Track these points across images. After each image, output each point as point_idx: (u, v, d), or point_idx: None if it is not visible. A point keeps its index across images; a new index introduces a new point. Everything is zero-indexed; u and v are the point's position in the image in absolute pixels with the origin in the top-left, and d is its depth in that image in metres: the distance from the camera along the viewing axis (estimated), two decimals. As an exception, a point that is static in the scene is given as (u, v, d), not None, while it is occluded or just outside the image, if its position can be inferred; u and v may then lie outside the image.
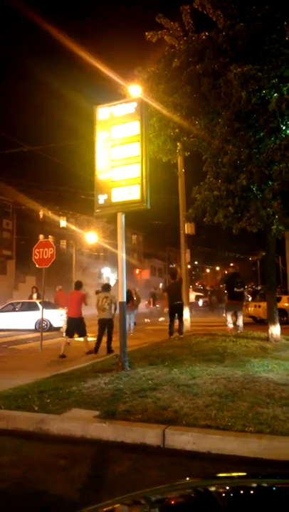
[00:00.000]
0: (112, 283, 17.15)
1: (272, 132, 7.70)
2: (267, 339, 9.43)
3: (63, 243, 39.71)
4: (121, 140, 7.19)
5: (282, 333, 9.60)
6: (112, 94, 10.32)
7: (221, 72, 8.06)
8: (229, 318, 12.09)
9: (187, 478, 1.77)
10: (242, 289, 12.20)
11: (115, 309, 9.17)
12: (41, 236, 30.22)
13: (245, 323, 12.18)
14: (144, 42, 9.64)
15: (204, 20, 8.97)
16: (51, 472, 3.47)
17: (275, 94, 7.57)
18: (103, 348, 9.33)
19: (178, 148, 10.25)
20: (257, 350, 8.30)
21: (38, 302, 15.93)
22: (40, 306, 13.70)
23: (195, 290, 40.42)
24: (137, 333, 13.68)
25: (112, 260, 39.33)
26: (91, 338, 9.71)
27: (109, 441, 4.09)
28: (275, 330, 9.42)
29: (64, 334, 11.27)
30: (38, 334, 12.09)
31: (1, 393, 5.46)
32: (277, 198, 7.62)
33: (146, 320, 20.57)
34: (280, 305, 12.15)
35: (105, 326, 9.42)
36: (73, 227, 34.85)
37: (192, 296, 27.62)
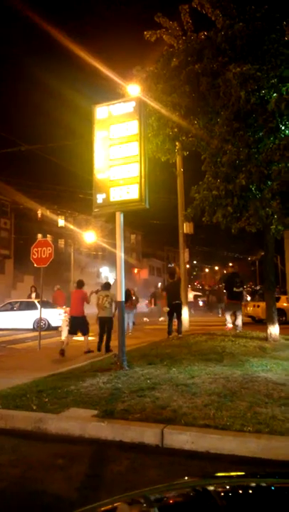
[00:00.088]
0: (111, 282, 17.13)
1: (271, 132, 7.70)
2: (266, 339, 9.44)
3: (61, 242, 39.64)
4: (119, 139, 7.18)
5: (281, 332, 9.61)
6: (111, 93, 10.32)
7: (220, 72, 8.06)
8: (228, 318, 12.10)
9: (186, 478, 1.76)
10: (241, 289, 12.22)
11: (116, 308, 9.18)
12: (39, 235, 30.11)
13: (244, 323, 12.19)
14: (142, 41, 9.66)
15: (203, 19, 8.97)
16: (49, 471, 3.46)
17: (275, 94, 7.57)
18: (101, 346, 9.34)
19: (177, 147, 10.25)
20: (256, 349, 8.31)
21: (36, 301, 15.92)
22: (38, 306, 13.69)
23: (194, 290, 40.46)
24: (136, 332, 13.68)
25: (110, 260, 39.29)
26: (91, 338, 9.72)
27: (107, 440, 4.08)
28: (274, 330, 9.43)
29: (62, 334, 11.28)
30: (36, 333, 12.07)
31: (0, 392, 5.46)
32: (276, 198, 7.62)
33: (144, 319, 20.58)
34: (278, 305, 12.17)
35: (105, 324, 9.43)
36: (71, 227, 34.77)
37: (190, 295, 27.60)
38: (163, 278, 53.03)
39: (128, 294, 12.52)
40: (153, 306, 23.83)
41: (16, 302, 17.88)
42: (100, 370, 6.72)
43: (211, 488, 1.40)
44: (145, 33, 9.53)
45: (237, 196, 8.11)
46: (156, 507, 1.30)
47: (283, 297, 16.93)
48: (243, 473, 1.84)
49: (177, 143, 10.03)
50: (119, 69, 11.14)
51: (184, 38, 9.20)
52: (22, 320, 16.21)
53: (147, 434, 3.97)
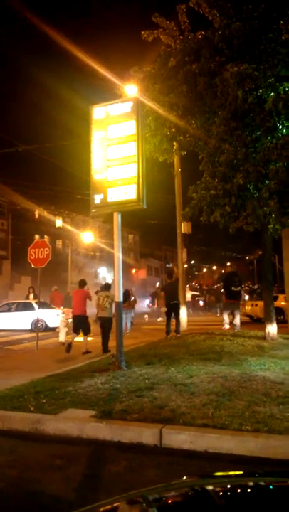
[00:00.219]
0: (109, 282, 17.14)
1: (268, 131, 7.70)
2: (264, 338, 9.45)
3: (59, 243, 39.57)
4: (117, 139, 7.17)
5: (279, 331, 9.63)
6: (108, 93, 10.30)
7: (217, 72, 8.06)
8: (226, 318, 12.11)
9: (184, 477, 1.75)
10: (239, 288, 12.23)
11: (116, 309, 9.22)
12: (37, 236, 30.10)
13: (242, 322, 12.21)
14: (140, 41, 9.66)
15: (200, 19, 8.98)
16: (47, 472, 3.45)
17: (272, 94, 7.58)
18: (99, 347, 9.34)
19: (174, 147, 10.25)
20: (254, 349, 8.31)
21: (33, 302, 15.89)
22: (35, 307, 13.66)
23: (192, 289, 40.51)
24: (134, 332, 13.67)
25: (108, 260, 39.27)
26: (90, 338, 9.72)
27: (105, 440, 4.07)
28: (272, 329, 9.44)
29: (60, 335, 11.29)
30: (33, 334, 12.06)
31: (-3, 393, 5.44)
32: (274, 197, 7.63)
33: (145, 316, 20.67)
34: (276, 304, 12.16)
35: (105, 324, 9.44)
36: (69, 227, 34.75)
37: (188, 295, 27.62)
38: (161, 278, 52.99)
39: (127, 294, 12.53)
40: (155, 306, 23.85)
41: (14, 303, 17.83)
42: (98, 371, 6.71)
43: (210, 487, 1.40)
44: (142, 32, 9.53)
45: (235, 196, 8.12)
46: (155, 507, 1.29)
47: (281, 296, 16.93)
48: (241, 472, 1.84)
49: (175, 143, 10.03)
50: (117, 69, 11.16)
51: (181, 37, 9.20)
52: (19, 321, 16.17)
53: (145, 434, 3.96)
